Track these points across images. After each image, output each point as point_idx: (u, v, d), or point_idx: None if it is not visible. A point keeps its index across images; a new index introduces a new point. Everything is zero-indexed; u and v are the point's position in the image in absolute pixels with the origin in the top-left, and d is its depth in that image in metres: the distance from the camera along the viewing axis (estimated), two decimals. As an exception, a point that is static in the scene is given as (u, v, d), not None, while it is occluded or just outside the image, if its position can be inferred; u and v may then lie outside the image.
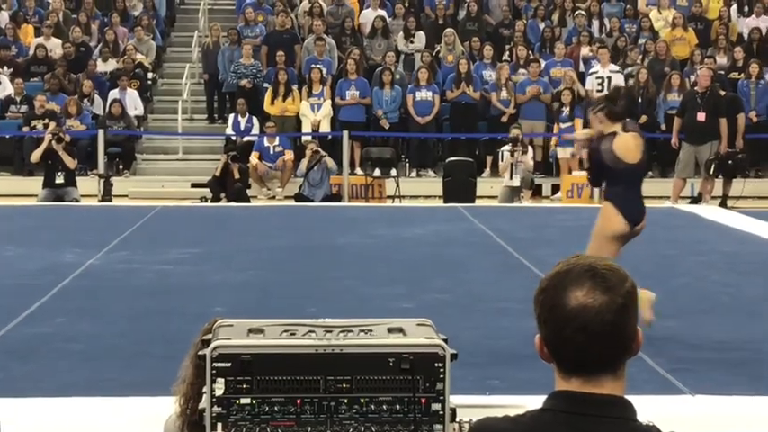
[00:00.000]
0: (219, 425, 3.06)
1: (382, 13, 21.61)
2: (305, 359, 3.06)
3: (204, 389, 3.09)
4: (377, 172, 18.82)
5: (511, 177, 17.66)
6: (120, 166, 19.36)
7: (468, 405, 3.32)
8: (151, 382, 5.68)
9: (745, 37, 21.62)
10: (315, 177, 18.05)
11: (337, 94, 19.74)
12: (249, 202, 17.90)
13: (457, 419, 3.16)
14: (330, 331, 3.18)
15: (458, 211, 15.93)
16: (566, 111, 19.06)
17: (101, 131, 18.55)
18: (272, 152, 18.84)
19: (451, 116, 19.88)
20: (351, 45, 20.81)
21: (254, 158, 18.67)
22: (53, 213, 15.86)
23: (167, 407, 3.30)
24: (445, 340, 3.18)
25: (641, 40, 21.42)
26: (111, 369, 7.05)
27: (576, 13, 21.90)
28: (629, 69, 20.09)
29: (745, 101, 19.15)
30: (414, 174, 19.73)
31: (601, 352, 2.19)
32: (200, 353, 3.10)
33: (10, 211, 15.98)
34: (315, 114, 19.55)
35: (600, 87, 19.56)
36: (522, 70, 20.07)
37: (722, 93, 18.21)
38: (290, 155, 18.76)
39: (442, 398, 3.09)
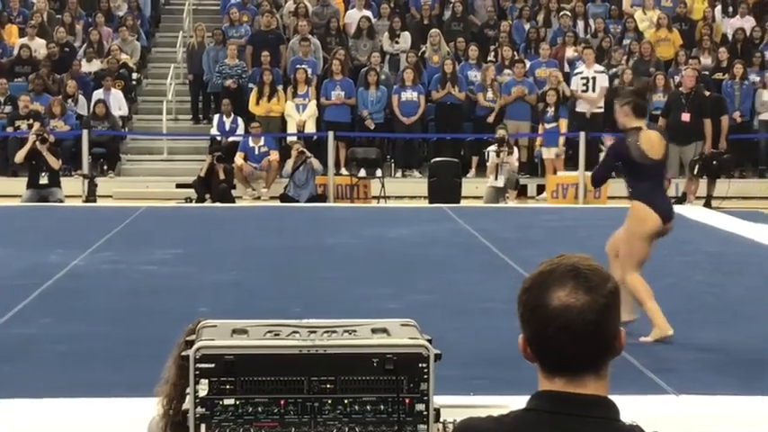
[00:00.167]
0: (203, 426, 3.06)
1: (367, 13, 21.61)
2: (289, 360, 3.05)
3: (187, 390, 3.09)
4: (362, 172, 18.82)
5: (496, 178, 17.67)
6: (105, 167, 19.32)
7: (453, 405, 3.32)
8: (136, 383, 5.66)
9: (730, 37, 21.68)
10: (300, 178, 18.03)
11: (322, 95, 19.73)
12: (234, 202, 17.87)
13: (441, 420, 3.16)
14: (314, 332, 3.18)
15: (443, 211, 15.94)
16: (550, 111, 19.09)
17: (85, 132, 18.50)
18: (257, 152, 18.82)
19: (437, 116, 19.89)
20: (336, 45, 20.80)
21: (238, 159, 18.64)
22: (37, 214, 15.81)
23: (153, 408, 3.30)
24: (429, 341, 3.18)
25: (626, 41, 21.46)
26: (97, 370, 7.03)
27: (561, 13, 21.93)
28: (614, 70, 20.13)
29: (729, 101, 19.21)
30: (399, 174, 19.73)
31: (583, 352, 2.19)
32: (183, 354, 3.10)
33: (-6, 211, 15.92)
34: (300, 115, 19.54)
35: (584, 88, 19.60)
36: (507, 71, 20.09)
37: (707, 93, 18.27)
38: (275, 155, 18.74)
39: (426, 398, 3.09)
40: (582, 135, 18.25)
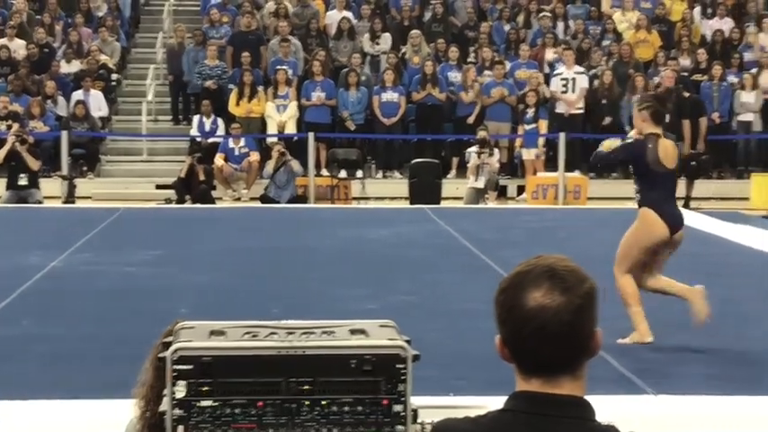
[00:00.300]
0: (180, 427, 3.05)
1: (348, 14, 21.61)
2: (266, 361, 3.05)
3: (165, 391, 3.08)
4: (343, 173, 18.82)
5: (477, 179, 17.70)
6: (84, 168, 19.25)
7: (431, 406, 3.32)
8: (115, 385, 5.65)
9: (708, 39, 21.78)
10: (281, 179, 18.02)
11: (303, 96, 19.72)
12: (214, 203, 17.85)
13: (419, 420, 3.16)
14: (292, 333, 3.17)
15: (423, 212, 15.95)
16: (530, 112, 19.13)
17: (64, 133, 18.43)
18: (237, 153, 18.79)
19: (417, 117, 19.91)
20: (316, 46, 20.80)
21: (219, 160, 18.61)
22: (16, 215, 15.76)
23: (130, 410, 3.29)
24: (408, 341, 3.18)
25: (605, 42, 21.53)
26: (75, 371, 7.01)
27: (541, 15, 21.98)
28: (594, 71, 20.18)
29: (708, 102, 19.29)
30: (379, 175, 19.74)
31: (559, 353, 2.20)
32: (160, 355, 3.09)
33: (-28, 212, 15.85)
34: (280, 115, 19.52)
35: (564, 89, 19.65)
36: (487, 72, 20.12)
37: (686, 94, 18.34)
38: (255, 156, 18.72)
39: (403, 399, 3.09)
40: (562, 136, 18.29)
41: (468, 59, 20.86)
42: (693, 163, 17.46)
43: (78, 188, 17.77)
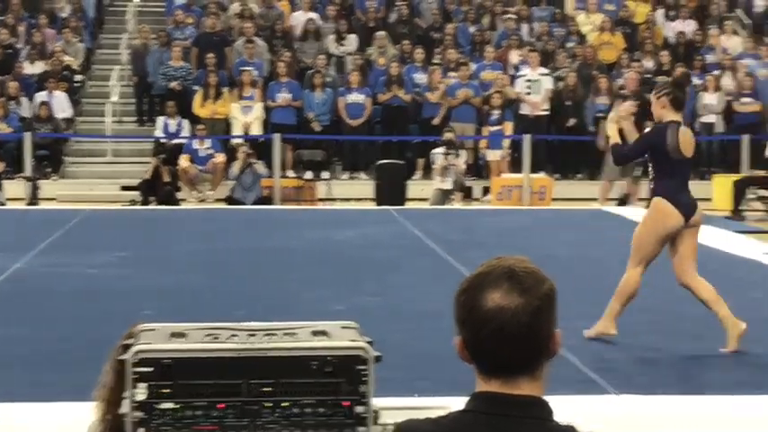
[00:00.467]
0: (141, 430, 3.04)
1: (313, 15, 21.59)
2: (227, 363, 3.05)
3: (125, 394, 3.07)
4: (308, 174, 18.80)
5: (443, 180, 17.74)
6: (48, 169, 19.13)
7: (393, 407, 3.33)
8: (78, 387, 5.62)
9: (671, 41, 21.92)
10: (246, 180, 17.98)
11: (268, 97, 19.69)
12: (179, 204, 17.78)
13: (381, 421, 3.17)
14: (253, 335, 3.17)
15: (389, 213, 15.96)
16: (495, 114, 19.19)
17: (28, 134, 18.30)
18: (202, 155, 18.74)
19: (383, 119, 19.92)
20: (282, 47, 20.77)
21: (184, 161, 18.55)
22: (-21, 217, 15.63)
23: (91, 412, 3.28)
24: (370, 342, 3.19)
25: (569, 44, 21.63)
26: (38, 373, 6.97)
27: (506, 17, 22.05)
28: (558, 73, 20.27)
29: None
30: (345, 176, 19.74)
31: (518, 354, 2.21)
32: (120, 358, 3.08)
33: (-66, 214, 15.72)
34: (245, 117, 19.48)
35: (529, 91, 19.72)
36: (452, 73, 20.17)
37: (649, 97, 18.44)
38: (220, 157, 18.67)
39: (365, 400, 3.10)
40: (526, 137, 18.35)
41: (434, 61, 20.89)
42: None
43: (42, 190, 17.66)
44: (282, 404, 3.06)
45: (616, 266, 11.49)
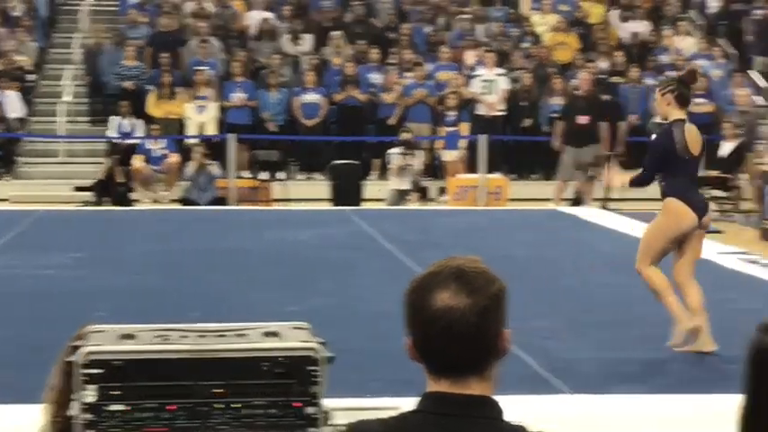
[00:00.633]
0: (91, 432, 3.01)
1: (269, 15, 21.53)
2: (177, 364, 3.03)
3: (74, 396, 3.04)
4: (264, 175, 18.74)
5: (400, 180, 17.75)
6: (1, 170, 18.94)
7: (345, 408, 3.32)
8: (29, 389, 5.57)
9: (626, 41, 22.06)
10: (201, 181, 17.90)
11: (223, 97, 19.61)
12: (133, 205, 17.67)
13: (332, 422, 3.16)
14: (204, 336, 3.15)
15: (345, 214, 15.95)
16: (451, 114, 19.22)
17: (-21, 134, 18.14)
18: (156, 155, 18.63)
19: (338, 119, 19.90)
20: (237, 47, 20.70)
21: (137, 161, 18.43)
22: (-70, 218, 15.45)
23: (41, 414, 3.24)
24: (322, 343, 3.18)
25: (525, 45, 21.71)
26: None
27: (461, 17, 22.10)
28: (514, 73, 20.34)
29: (626, 104, 19.55)
30: (301, 177, 19.69)
31: (466, 353, 2.21)
32: (69, 359, 3.05)
33: None
34: (200, 117, 19.39)
35: (485, 91, 19.77)
36: (407, 73, 20.18)
37: (604, 97, 18.56)
38: (175, 158, 18.57)
39: (316, 401, 3.09)
40: (482, 138, 18.40)
41: (389, 61, 20.90)
42: (611, 164, 17.67)
43: (-6, 190, 17.49)
44: (233, 405, 3.05)
45: (571, 266, 11.60)
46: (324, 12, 21.96)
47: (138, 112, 19.41)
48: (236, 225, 14.78)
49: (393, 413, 2.34)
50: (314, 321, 3.44)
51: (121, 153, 18.25)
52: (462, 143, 19.33)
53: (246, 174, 18.90)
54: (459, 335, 2.19)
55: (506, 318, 2.27)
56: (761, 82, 21.19)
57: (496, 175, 18.80)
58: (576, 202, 17.80)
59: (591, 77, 18.38)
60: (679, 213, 7.52)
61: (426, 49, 21.46)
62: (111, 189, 17.64)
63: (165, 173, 18.58)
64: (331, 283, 10.39)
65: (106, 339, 3.11)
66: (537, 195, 18.12)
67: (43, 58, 22.14)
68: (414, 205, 17.78)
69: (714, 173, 17.73)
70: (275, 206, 17.99)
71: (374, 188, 18.39)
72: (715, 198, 17.81)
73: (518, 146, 19.90)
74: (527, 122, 19.72)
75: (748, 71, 21.12)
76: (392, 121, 19.49)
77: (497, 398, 2.27)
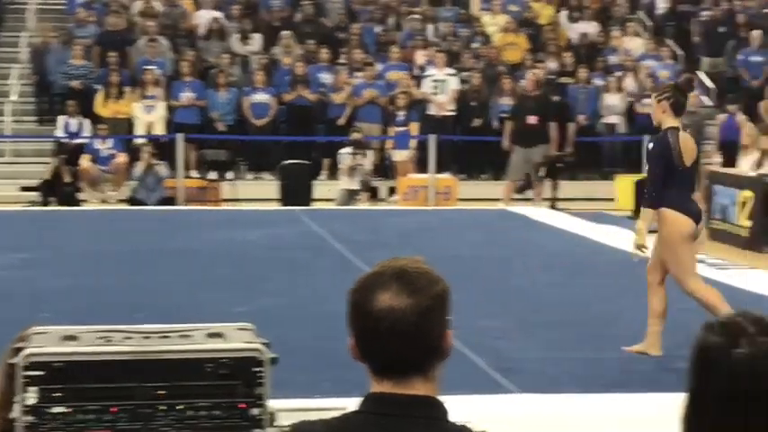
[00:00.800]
0: (32, 435, 2.97)
1: (218, 14, 21.43)
2: (120, 366, 2.99)
3: (15, 398, 3.00)
4: (213, 175, 18.64)
5: (350, 180, 17.73)
6: (-55, 170, 18.72)
7: (290, 409, 3.30)
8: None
9: (575, 42, 22.19)
10: (150, 181, 17.77)
11: (172, 96, 19.49)
12: (80, 205, 17.52)
13: (277, 423, 3.14)
14: (148, 337, 3.12)
15: (295, 214, 15.91)
16: (401, 114, 19.23)
17: (-76, 133, 17.89)
18: (104, 155, 18.47)
19: (288, 119, 19.85)
20: (185, 46, 20.58)
21: (85, 161, 18.26)
22: None
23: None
24: (266, 344, 3.16)
25: (475, 45, 21.77)
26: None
27: (411, 17, 22.12)
28: (465, 74, 20.39)
29: (575, 105, 19.67)
30: (250, 176, 19.61)
31: (408, 354, 2.20)
32: (10, 361, 3.01)
33: None
34: (148, 116, 19.25)
35: (435, 91, 19.80)
36: (357, 73, 20.16)
37: (553, 97, 18.66)
38: (122, 157, 18.42)
39: (261, 402, 3.07)
40: (432, 138, 18.42)
41: (339, 61, 20.88)
42: (559, 165, 17.80)
43: (-61, 191, 17.26)
44: (177, 407, 3.02)
45: (520, 266, 11.64)
46: (273, 11, 21.89)
47: (86, 111, 19.23)
48: (185, 225, 14.70)
49: (339, 413, 2.32)
50: (262, 322, 3.42)
51: (69, 153, 18.08)
52: (412, 143, 19.35)
53: (195, 174, 18.80)
54: (400, 335, 2.18)
55: (450, 318, 2.27)
56: (708, 83, 21.39)
57: (446, 175, 18.84)
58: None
59: (536, 78, 18.44)
60: (675, 222, 7.42)
61: (376, 49, 21.46)
62: (57, 189, 17.47)
63: (113, 173, 18.43)
64: (280, 283, 10.36)
65: (48, 341, 3.06)
66: (486, 195, 18.17)
67: (-11, 57, 21.89)
68: (364, 205, 17.77)
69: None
70: (224, 206, 17.90)
71: (324, 188, 18.36)
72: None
73: (468, 146, 19.95)
74: (477, 122, 19.77)
75: (696, 72, 21.32)
76: (342, 120, 19.48)
77: (446, 398, 2.26)
